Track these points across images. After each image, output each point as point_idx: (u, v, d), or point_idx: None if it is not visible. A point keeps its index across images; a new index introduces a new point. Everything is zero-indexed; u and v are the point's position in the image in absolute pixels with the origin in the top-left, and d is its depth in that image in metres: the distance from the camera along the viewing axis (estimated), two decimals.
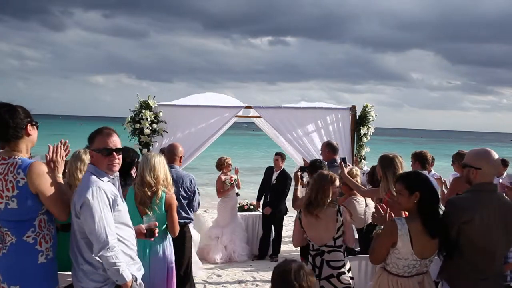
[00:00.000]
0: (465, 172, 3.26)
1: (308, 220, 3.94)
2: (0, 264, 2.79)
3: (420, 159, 5.80)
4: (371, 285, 3.83)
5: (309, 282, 2.43)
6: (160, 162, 4.03)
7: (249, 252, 7.83)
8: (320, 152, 6.30)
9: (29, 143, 2.88)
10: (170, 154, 5.04)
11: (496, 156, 3.20)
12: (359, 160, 7.32)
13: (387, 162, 4.46)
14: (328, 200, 3.92)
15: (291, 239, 9.00)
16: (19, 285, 2.75)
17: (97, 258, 2.79)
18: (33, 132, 2.89)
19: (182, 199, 4.93)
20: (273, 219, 7.81)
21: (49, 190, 2.78)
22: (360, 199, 4.98)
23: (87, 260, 2.84)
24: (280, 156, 7.95)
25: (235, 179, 7.69)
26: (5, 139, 2.81)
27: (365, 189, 5.02)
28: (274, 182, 7.81)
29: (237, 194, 7.83)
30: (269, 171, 8.07)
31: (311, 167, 4.98)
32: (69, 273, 3.18)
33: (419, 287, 3.11)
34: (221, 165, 7.80)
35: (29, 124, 2.84)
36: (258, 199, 8.24)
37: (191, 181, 5.02)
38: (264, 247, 7.86)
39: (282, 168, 7.90)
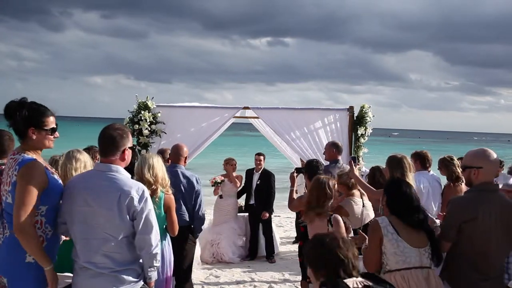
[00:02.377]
0: (465, 175, 3.26)
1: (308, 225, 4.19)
2: None
3: (421, 159, 5.80)
4: None
5: (347, 249, 2.34)
6: (158, 162, 4.04)
7: (241, 253, 7.75)
8: (324, 151, 6.30)
9: (35, 145, 2.84)
10: (176, 154, 5.04)
11: (494, 154, 3.21)
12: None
13: (395, 162, 4.43)
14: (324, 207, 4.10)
15: (289, 240, 9.06)
16: (6, 279, 2.77)
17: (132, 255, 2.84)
18: (38, 136, 2.83)
19: (187, 199, 4.92)
20: (259, 220, 7.75)
21: (20, 192, 2.70)
22: (357, 199, 4.96)
23: (121, 261, 2.81)
24: (263, 156, 7.92)
25: (216, 182, 7.60)
26: (18, 136, 2.86)
27: (375, 190, 4.98)
28: (258, 182, 7.74)
29: (220, 196, 7.76)
30: (249, 172, 7.99)
31: (308, 167, 4.99)
32: (68, 274, 3.18)
33: (425, 283, 3.07)
34: (224, 165, 7.86)
35: (32, 128, 2.81)
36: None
37: (197, 181, 5.01)
38: (253, 248, 7.83)
39: (263, 167, 7.86)
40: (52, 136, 2.89)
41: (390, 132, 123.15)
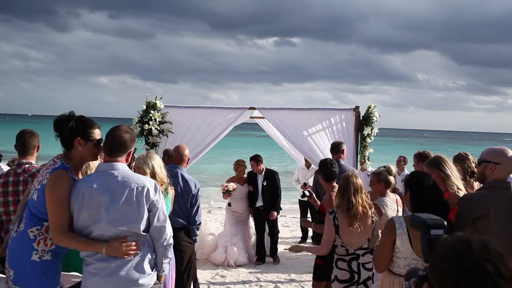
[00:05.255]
0: (480, 169, 3.24)
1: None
2: (9, 245, 2.93)
3: (424, 159, 5.80)
4: (376, 285, 3.83)
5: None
6: (161, 161, 4.14)
7: (251, 256, 7.63)
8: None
9: (78, 156, 2.94)
10: (178, 155, 5.02)
11: None
12: (363, 160, 7.32)
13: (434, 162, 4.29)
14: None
15: (295, 240, 9.04)
16: (13, 271, 2.86)
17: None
18: (84, 147, 2.92)
19: (183, 202, 4.89)
20: (265, 220, 7.61)
21: (48, 204, 2.80)
22: (390, 201, 4.76)
23: (139, 254, 2.87)
24: (254, 160, 7.59)
25: (228, 190, 7.41)
26: (64, 147, 2.96)
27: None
28: (265, 184, 7.55)
29: (229, 204, 7.62)
30: (252, 175, 7.68)
31: (322, 167, 4.96)
32: (74, 273, 3.20)
33: None
34: (235, 167, 7.73)
35: (79, 138, 2.90)
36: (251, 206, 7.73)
37: (195, 185, 4.98)
38: (262, 250, 7.64)
39: (265, 168, 7.66)
40: (97, 149, 2.99)
41: (395, 132, 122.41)
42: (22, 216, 2.98)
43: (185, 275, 5.02)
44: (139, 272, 2.83)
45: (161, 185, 3.96)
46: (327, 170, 4.80)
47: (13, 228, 3.00)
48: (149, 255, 2.91)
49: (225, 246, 7.42)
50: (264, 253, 7.67)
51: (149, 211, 2.85)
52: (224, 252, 7.39)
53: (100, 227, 2.78)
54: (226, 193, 7.47)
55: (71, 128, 2.89)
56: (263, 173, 7.65)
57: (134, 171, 3.94)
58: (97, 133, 2.99)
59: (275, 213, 7.62)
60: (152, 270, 2.91)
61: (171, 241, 2.97)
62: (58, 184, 2.80)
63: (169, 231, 2.94)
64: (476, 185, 5.33)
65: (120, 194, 2.79)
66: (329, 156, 6.44)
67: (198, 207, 5.02)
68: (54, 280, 2.94)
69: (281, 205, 7.97)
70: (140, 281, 2.82)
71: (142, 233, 2.84)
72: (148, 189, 2.84)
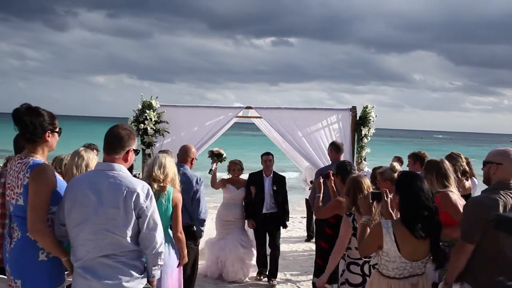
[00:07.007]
0: (485, 170, 3.25)
1: None
2: (9, 258, 2.90)
3: (420, 159, 5.81)
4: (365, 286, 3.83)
5: None
6: (171, 162, 4.10)
7: (249, 271, 6.74)
8: (327, 152, 6.29)
9: (46, 147, 2.97)
10: (183, 154, 5.06)
11: None
12: (359, 161, 7.31)
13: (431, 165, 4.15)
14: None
15: (291, 240, 9.03)
16: (21, 280, 2.83)
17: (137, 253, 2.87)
18: (52, 139, 2.97)
19: (185, 199, 4.87)
20: (271, 228, 6.70)
21: (34, 194, 2.79)
22: None
23: (126, 259, 2.82)
24: (272, 155, 6.84)
25: (213, 152, 6.86)
26: (25, 140, 2.93)
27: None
28: (275, 188, 6.67)
29: (210, 171, 6.66)
30: (257, 177, 6.76)
31: (340, 168, 4.87)
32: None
33: None
34: (229, 167, 6.87)
35: (49, 131, 2.92)
36: (250, 216, 6.71)
37: (197, 181, 4.96)
38: (264, 260, 6.70)
39: (273, 171, 6.83)
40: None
41: (392, 132, 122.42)
42: (10, 227, 2.95)
43: (186, 277, 4.99)
44: (126, 275, 2.80)
45: (166, 180, 3.97)
46: (347, 172, 4.66)
47: (7, 242, 2.96)
48: (137, 260, 2.88)
49: (217, 262, 6.62)
50: (267, 264, 6.68)
51: (138, 217, 2.79)
52: (216, 267, 6.64)
53: (86, 230, 2.76)
54: (213, 157, 6.77)
55: (41, 122, 2.88)
56: (271, 176, 6.77)
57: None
58: (57, 123, 3.03)
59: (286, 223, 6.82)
60: (140, 275, 2.87)
61: (161, 249, 2.89)
62: (44, 177, 2.82)
63: (159, 240, 2.85)
64: (468, 184, 5.36)
65: (108, 197, 2.76)
66: (326, 156, 6.44)
67: (200, 202, 4.95)
68: (59, 280, 2.97)
69: None
70: (126, 285, 2.79)
71: (128, 240, 2.78)
72: (138, 194, 2.76)
